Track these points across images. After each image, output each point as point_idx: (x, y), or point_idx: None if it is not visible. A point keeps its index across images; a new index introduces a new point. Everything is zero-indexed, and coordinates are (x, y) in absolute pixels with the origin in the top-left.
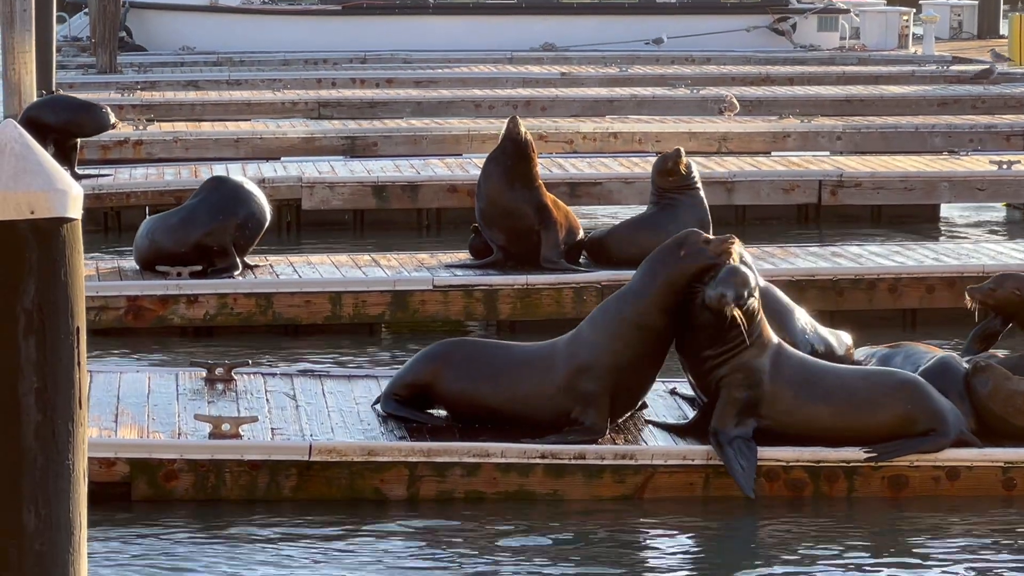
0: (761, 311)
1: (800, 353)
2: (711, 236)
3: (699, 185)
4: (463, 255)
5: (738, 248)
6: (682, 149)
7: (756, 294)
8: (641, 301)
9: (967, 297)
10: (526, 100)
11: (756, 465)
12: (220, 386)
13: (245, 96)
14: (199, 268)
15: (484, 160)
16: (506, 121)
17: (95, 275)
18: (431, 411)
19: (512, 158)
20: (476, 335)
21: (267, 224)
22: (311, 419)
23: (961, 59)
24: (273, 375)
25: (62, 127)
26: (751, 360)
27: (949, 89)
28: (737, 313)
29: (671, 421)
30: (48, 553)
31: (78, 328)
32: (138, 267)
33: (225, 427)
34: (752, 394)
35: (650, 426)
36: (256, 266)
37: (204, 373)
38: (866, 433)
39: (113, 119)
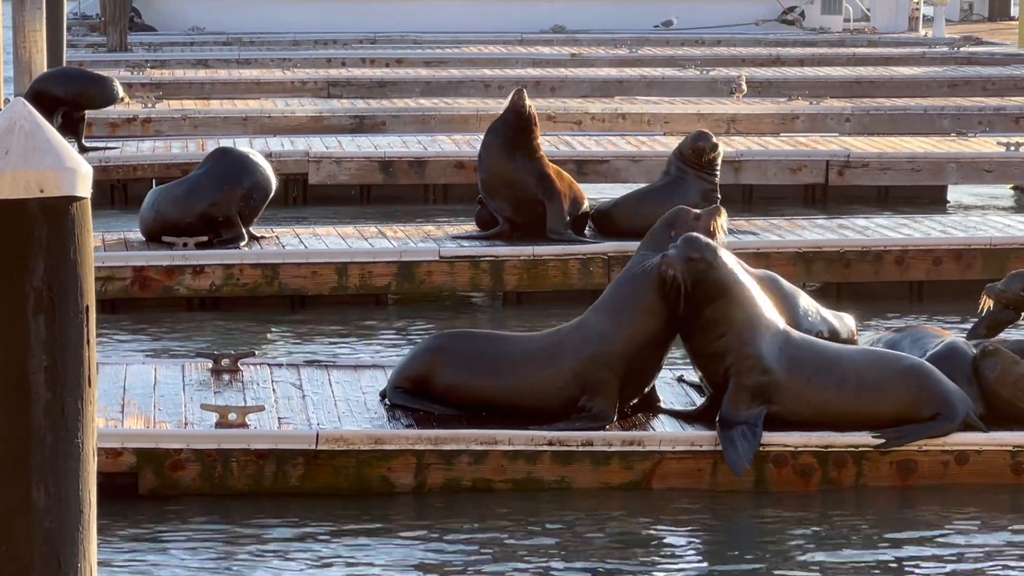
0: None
1: (810, 337)
2: (699, 211)
3: (717, 174)
4: (469, 227)
5: (724, 220)
6: (721, 148)
7: (715, 259)
8: (645, 284)
9: (983, 296)
10: (535, 80)
11: (756, 450)
12: (226, 377)
13: (255, 75)
14: (205, 239)
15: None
16: (513, 92)
17: (101, 246)
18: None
19: (512, 129)
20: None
21: (272, 194)
22: (318, 408)
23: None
24: (279, 365)
25: (71, 99)
26: (760, 347)
27: (959, 71)
28: (679, 275)
29: (679, 408)
30: (57, 531)
31: (87, 307)
32: (144, 238)
33: (232, 416)
34: (762, 380)
35: (659, 413)
36: (262, 237)
37: (210, 364)
38: (873, 418)
39: (122, 93)
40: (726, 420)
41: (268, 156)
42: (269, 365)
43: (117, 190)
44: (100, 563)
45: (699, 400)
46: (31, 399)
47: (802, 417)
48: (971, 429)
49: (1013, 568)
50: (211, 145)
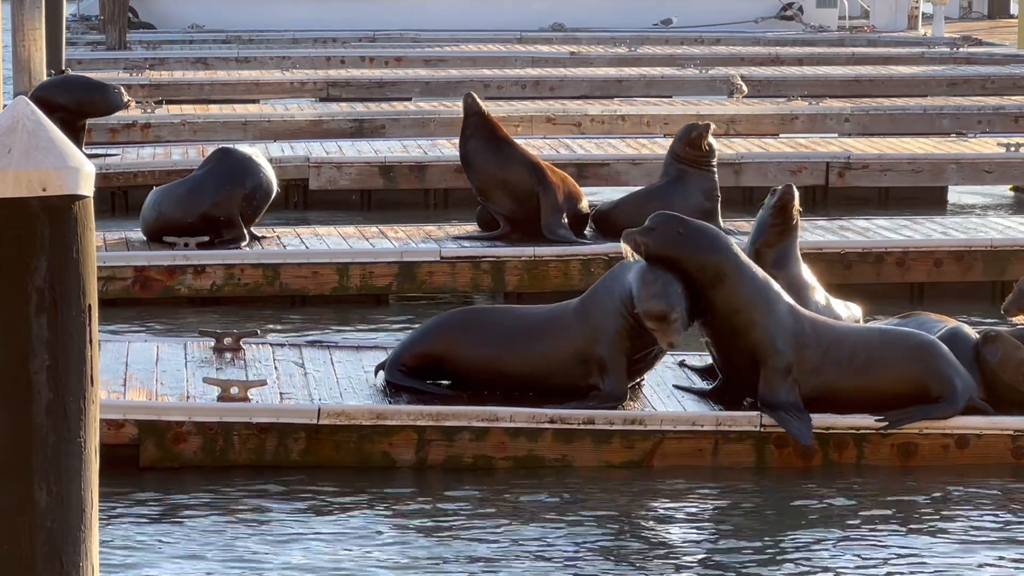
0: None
1: (818, 315)
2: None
3: (715, 166)
4: (470, 227)
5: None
6: (712, 126)
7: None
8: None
9: (1003, 313)
10: (535, 80)
11: (811, 424)
12: (228, 355)
13: (254, 76)
14: (206, 239)
15: (459, 142)
16: (463, 98)
17: (102, 246)
18: (431, 382)
19: (484, 129)
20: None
21: (274, 195)
22: (319, 385)
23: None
24: (282, 345)
25: (75, 107)
26: (789, 326)
27: (958, 69)
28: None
29: (697, 386)
30: (59, 531)
31: (90, 306)
32: (145, 238)
33: (234, 390)
34: (790, 358)
35: (660, 391)
36: (263, 237)
37: (213, 343)
38: (877, 395)
39: (127, 98)
40: (769, 403)
41: (268, 161)
42: (271, 345)
43: (118, 196)
44: (100, 529)
45: (700, 384)
46: (33, 398)
47: (813, 393)
48: (975, 412)
49: (1011, 551)
50: (211, 151)
